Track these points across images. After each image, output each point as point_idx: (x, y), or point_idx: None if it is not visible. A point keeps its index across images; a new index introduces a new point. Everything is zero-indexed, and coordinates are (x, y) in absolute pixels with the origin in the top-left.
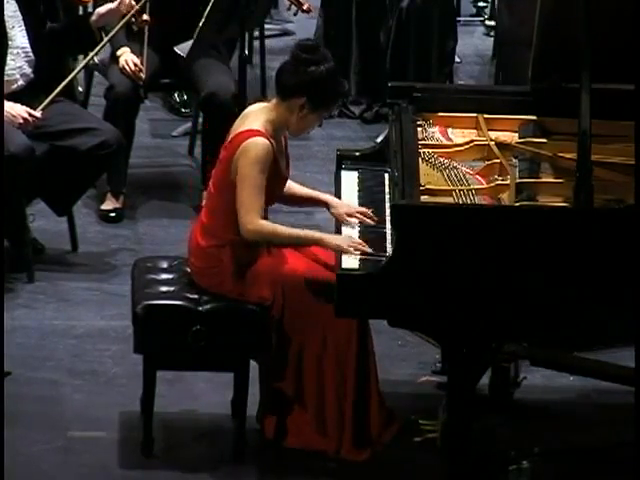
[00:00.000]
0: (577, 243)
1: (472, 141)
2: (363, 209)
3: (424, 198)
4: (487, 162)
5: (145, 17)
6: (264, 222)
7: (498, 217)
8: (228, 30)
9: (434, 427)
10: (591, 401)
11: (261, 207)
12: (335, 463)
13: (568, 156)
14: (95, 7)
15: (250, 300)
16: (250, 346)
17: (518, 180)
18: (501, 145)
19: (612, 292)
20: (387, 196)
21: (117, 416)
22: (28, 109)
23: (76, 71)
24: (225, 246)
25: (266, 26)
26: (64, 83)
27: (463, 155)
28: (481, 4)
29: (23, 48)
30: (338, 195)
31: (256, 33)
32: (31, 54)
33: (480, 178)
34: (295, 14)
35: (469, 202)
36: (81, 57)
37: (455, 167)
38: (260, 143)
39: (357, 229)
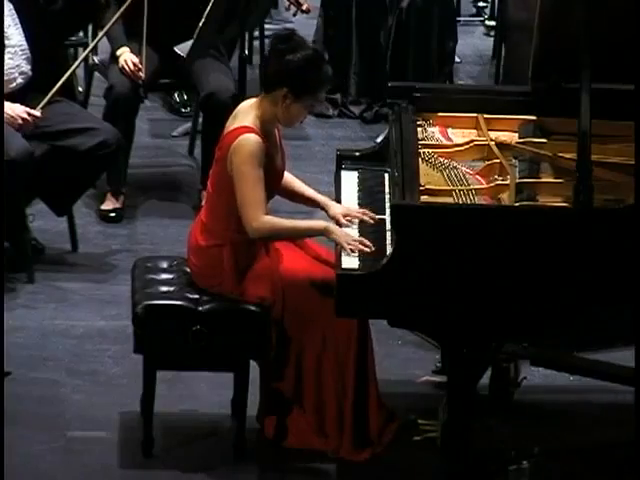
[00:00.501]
0: (577, 243)
1: (472, 141)
2: (361, 210)
3: (424, 198)
4: (487, 162)
5: None
6: (268, 217)
7: (498, 217)
8: (228, 30)
9: (434, 427)
10: (591, 401)
11: (262, 202)
12: (335, 463)
13: (568, 156)
14: None
15: (250, 300)
16: (250, 346)
17: (518, 180)
18: (501, 145)
19: (612, 292)
20: (387, 196)
21: (117, 416)
22: (27, 109)
23: (74, 66)
24: (225, 245)
25: (266, 26)
26: (62, 80)
27: (463, 155)
28: (481, 4)
29: (20, 46)
30: (338, 195)
31: (256, 33)
32: (28, 52)
33: (480, 178)
34: (294, 14)
35: (469, 202)
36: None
37: (455, 167)
38: (251, 139)
39: (356, 229)
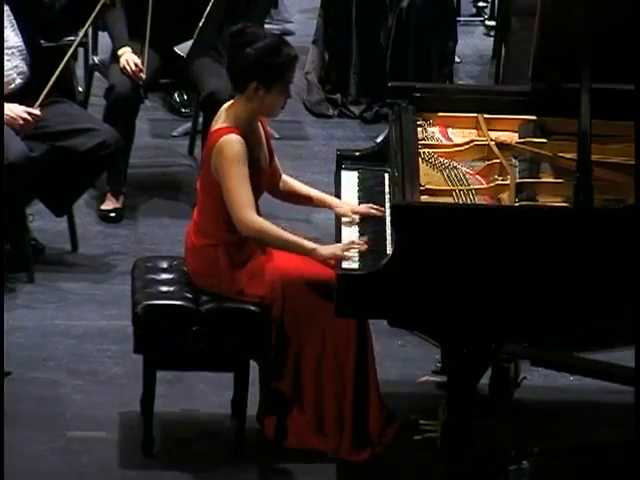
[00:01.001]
0: (577, 243)
1: (472, 141)
2: (368, 205)
3: (424, 198)
4: (487, 162)
5: None
6: (260, 218)
7: (498, 217)
8: (228, 30)
9: (434, 427)
10: (591, 401)
11: (250, 199)
12: (335, 463)
13: (568, 156)
14: None
15: (249, 298)
16: (250, 346)
17: (518, 180)
18: (501, 145)
19: (612, 292)
20: (387, 196)
21: (117, 416)
22: (27, 108)
23: (67, 57)
24: (218, 245)
25: (266, 26)
26: (54, 77)
27: (463, 155)
28: (481, 4)
29: (17, 47)
30: (338, 195)
31: None
32: (26, 52)
33: (480, 178)
34: None
35: (469, 202)
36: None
37: (455, 167)
38: (232, 139)
39: (357, 229)
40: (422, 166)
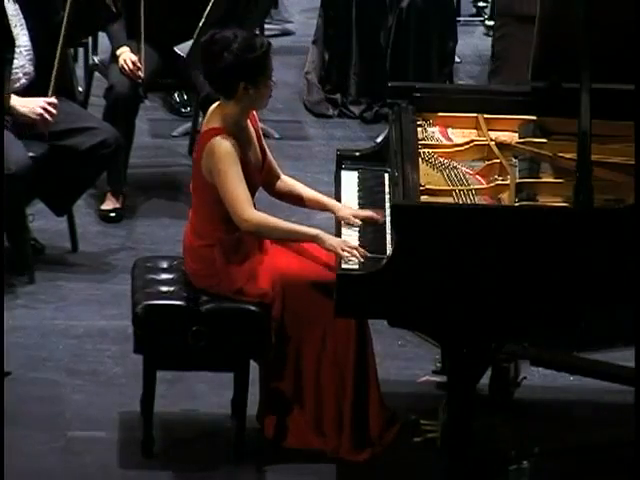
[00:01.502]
0: (577, 243)
1: (472, 141)
2: (368, 211)
3: (424, 198)
4: (487, 162)
5: None
6: (259, 213)
7: (498, 217)
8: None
9: (434, 427)
10: (591, 401)
11: (247, 196)
12: (335, 463)
13: (568, 156)
14: None
15: (249, 298)
16: (250, 346)
17: (518, 180)
18: (501, 145)
19: (612, 292)
20: (387, 196)
21: (117, 416)
22: (43, 99)
23: (57, 59)
24: (215, 245)
25: (266, 26)
26: (57, 56)
27: (463, 155)
28: (481, 4)
29: (25, 47)
30: (338, 195)
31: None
32: (32, 53)
33: (480, 178)
34: None
35: (469, 202)
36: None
37: (455, 167)
38: (222, 141)
39: (357, 231)
40: (422, 166)
